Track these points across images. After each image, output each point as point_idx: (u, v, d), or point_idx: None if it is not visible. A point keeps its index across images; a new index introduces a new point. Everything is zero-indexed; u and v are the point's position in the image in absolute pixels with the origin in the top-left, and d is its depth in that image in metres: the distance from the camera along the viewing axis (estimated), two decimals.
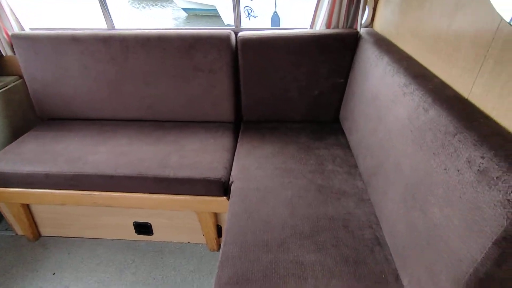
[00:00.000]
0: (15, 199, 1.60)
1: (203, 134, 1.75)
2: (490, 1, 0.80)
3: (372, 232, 1.15)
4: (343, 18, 1.67)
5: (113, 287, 1.55)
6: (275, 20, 7.26)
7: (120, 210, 1.66)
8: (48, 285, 1.56)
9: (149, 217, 1.68)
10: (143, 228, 1.72)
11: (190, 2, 9.89)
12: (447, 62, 1.00)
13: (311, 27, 1.77)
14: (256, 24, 7.99)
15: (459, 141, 0.75)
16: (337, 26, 1.70)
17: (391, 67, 1.18)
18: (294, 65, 1.67)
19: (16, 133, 1.89)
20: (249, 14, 8.03)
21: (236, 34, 1.69)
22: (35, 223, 1.77)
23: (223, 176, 1.45)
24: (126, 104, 1.85)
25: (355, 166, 1.48)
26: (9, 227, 1.84)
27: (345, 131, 1.71)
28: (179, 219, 1.66)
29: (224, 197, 1.47)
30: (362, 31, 1.63)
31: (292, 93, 1.75)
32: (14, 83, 1.92)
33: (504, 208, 0.59)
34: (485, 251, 0.63)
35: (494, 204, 0.61)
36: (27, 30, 1.88)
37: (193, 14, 10.36)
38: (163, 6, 11.39)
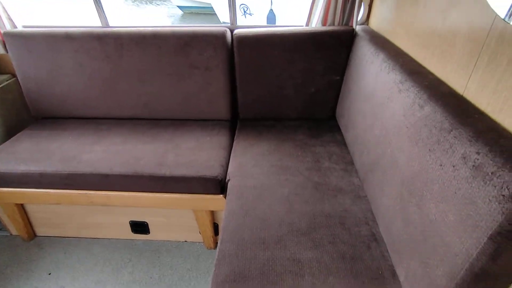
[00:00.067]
0: (9, 199, 1.59)
1: (199, 132, 1.74)
2: None
3: (368, 228, 1.15)
4: (339, 15, 1.67)
5: (110, 287, 1.54)
6: (271, 17, 7.25)
7: (116, 209, 1.65)
8: (43, 285, 1.55)
9: (145, 216, 1.67)
10: (139, 227, 1.71)
11: (186, 0, 9.83)
12: (442, 59, 1.01)
13: (307, 25, 1.76)
14: (252, 22, 7.97)
15: (454, 137, 0.76)
16: (333, 23, 1.70)
17: (386, 64, 1.18)
18: (290, 62, 1.66)
19: (9, 132, 1.87)
20: (245, 12, 8.01)
21: (232, 31, 1.68)
22: (30, 223, 1.75)
23: (219, 174, 1.45)
24: (121, 102, 1.83)
25: (351, 163, 1.48)
26: (3, 227, 1.82)
27: (341, 128, 1.71)
28: (176, 217, 1.66)
29: (221, 195, 1.47)
30: (357, 28, 1.63)
31: (288, 91, 1.75)
32: (7, 82, 1.89)
33: (499, 203, 0.59)
34: (480, 246, 0.63)
35: (489, 199, 0.62)
36: (20, 28, 1.85)
37: (189, 12, 10.31)
38: (158, 4, 11.32)
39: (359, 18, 1.69)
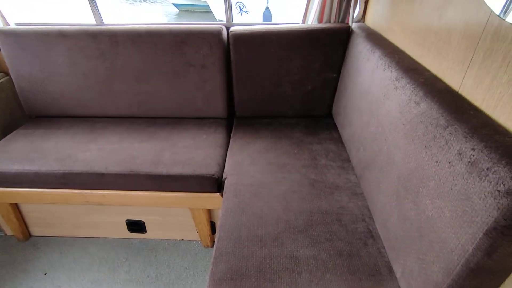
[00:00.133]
0: (4, 199, 1.57)
1: (195, 131, 1.73)
2: None
3: (365, 225, 1.15)
4: (335, 12, 1.67)
5: (107, 286, 1.53)
6: (267, 15, 7.24)
7: (112, 208, 1.64)
8: (39, 285, 1.54)
9: (141, 215, 1.66)
10: (136, 226, 1.70)
11: None
12: (438, 56, 1.01)
13: (303, 22, 1.76)
14: (248, 19, 7.96)
15: (450, 133, 0.76)
16: (329, 21, 1.70)
17: (382, 61, 1.19)
18: (286, 60, 1.66)
19: (3, 131, 1.85)
20: (241, 9, 7.99)
21: (227, 29, 1.67)
22: (25, 223, 1.74)
23: (216, 172, 1.44)
24: (117, 101, 1.82)
25: (348, 160, 1.48)
26: None
27: (337, 125, 1.72)
28: (172, 216, 1.65)
29: (218, 193, 1.46)
30: (354, 25, 1.63)
31: (284, 88, 1.75)
32: (0, 80, 1.87)
33: (495, 199, 0.60)
34: (476, 242, 0.63)
35: (485, 195, 0.62)
36: (12, 26, 1.83)
37: (185, 10, 10.26)
38: (152, 2, 11.24)
39: (355, 16, 1.69)
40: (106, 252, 1.70)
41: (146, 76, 1.73)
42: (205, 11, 9.64)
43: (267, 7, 7.32)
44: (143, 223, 1.69)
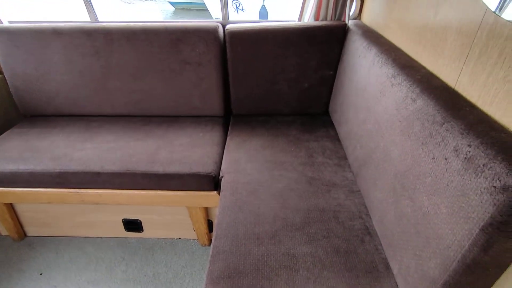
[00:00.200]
0: None
1: (192, 129, 1.72)
2: None
3: (362, 222, 1.16)
4: (331, 10, 1.67)
5: (104, 286, 1.53)
6: (263, 13, 7.23)
7: (109, 207, 1.63)
8: (35, 285, 1.53)
9: (138, 214, 1.66)
10: (132, 225, 1.69)
11: None
12: (434, 53, 1.01)
13: (299, 20, 1.76)
14: (244, 17, 7.93)
15: (446, 130, 0.76)
16: (325, 18, 1.70)
17: (379, 58, 1.19)
18: (283, 57, 1.66)
19: None
20: (237, 7, 7.97)
21: (224, 26, 1.66)
22: (20, 223, 1.72)
23: (213, 171, 1.44)
24: (112, 100, 1.81)
25: (345, 158, 1.48)
26: None
27: (334, 123, 1.72)
28: (169, 215, 1.65)
29: (215, 192, 1.46)
30: (350, 23, 1.63)
31: (281, 86, 1.75)
32: None
33: (491, 194, 0.60)
34: (472, 238, 0.64)
35: (481, 191, 0.62)
36: (5, 23, 1.80)
37: (181, 8, 10.21)
38: (147, 0, 11.17)
39: (351, 13, 1.68)
40: (103, 252, 1.69)
41: (141, 74, 1.72)
42: (201, 9, 9.59)
43: (263, 5, 7.31)
44: (140, 222, 1.68)
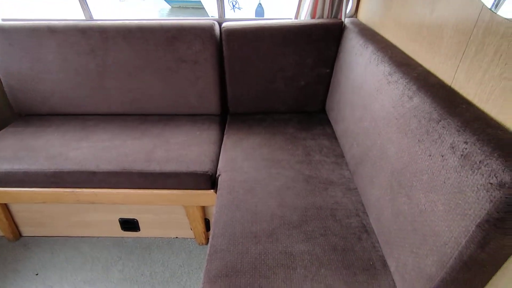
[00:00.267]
0: None
1: (189, 127, 1.72)
2: None
3: (359, 220, 1.16)
4: (328, 8, 1.67)
5: (100, 286, 1.52)
6: (259, 11, 7.21)
7: (105, 206, 1.62)
8: (30, 285, 1.51)
9: (135, 213, 1.65)
10: (129, 225, 1.68)
11: None
12: (431, 50, 1.01)
13: (296, 18, 1.75)
14: (241, 16, 7.91)
15: (443, 127, 0.76)
16: (321, 16, 1.69)
17: (375, 56, 1.19)
18: (279, 55, 1.65)
19: None
20: (233, 6, 7.94)
21: (220, 24, 1.65)
22: (14, 223, 1.70)
23: (210, 169, 1.43)
24: (108, 98, 1.79)
25: (342, 156, 1.49)
26: None
27: (331, 121, 1.72)
28: (166, 214, 1.64)
29: (212, 190, 1.46)
30: (346, 21, 1.63)
31: (278, 84, 1.74)
32: None
33: (487, 191, 0.60)
34: (469, 234, 0.64)
35: (477, 188, 0.62)
36: None
37: (177, 6, 10.15)
38: None
39: (347, 11, 1.68)
40: (99, 251, 1.68)
41: (137, 72, 1.71)
42: (198, 7, 9.54)
43: (260, 4, 7.29)
44: (137, 221, 1.68)
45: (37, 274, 1.57)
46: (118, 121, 1.78)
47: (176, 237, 1.74)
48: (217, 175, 1.43)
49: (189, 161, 1.45)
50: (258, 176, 1.36)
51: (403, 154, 0.90)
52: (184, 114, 1.84)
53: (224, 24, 1.61)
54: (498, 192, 0.58)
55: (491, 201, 0.59)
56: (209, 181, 1.43)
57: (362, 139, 1.23)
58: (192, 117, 1.81)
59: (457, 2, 0.89)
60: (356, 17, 1.71)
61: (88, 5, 1.78)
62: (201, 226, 1.63)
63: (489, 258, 0.65)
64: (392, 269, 0.95)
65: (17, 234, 1.74)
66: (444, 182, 0.72)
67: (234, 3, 7.97)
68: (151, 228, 1.71)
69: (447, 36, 0.93)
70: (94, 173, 1.43)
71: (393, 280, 0.96)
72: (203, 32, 1.59)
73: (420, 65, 1.05)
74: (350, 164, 1.36)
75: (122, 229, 1.71)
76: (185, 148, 1.54)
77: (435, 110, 0.81)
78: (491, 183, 0.59)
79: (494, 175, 0.59)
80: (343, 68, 1.52)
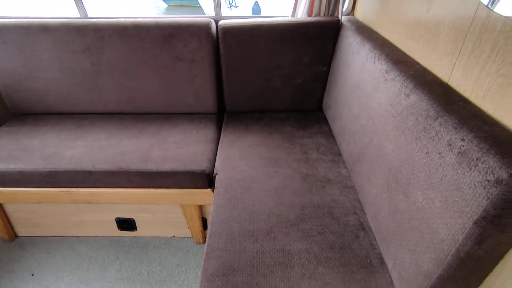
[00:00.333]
0: None
1: (185, 126, 1.71)
2: None
3: (356, 218, 1.16)
4: (324, 6, 1.66)
5: (97, 285, 1.51)
6: (256, 10, 7.19)
7: (101, 206, 1.61)
8: (26, 286, 1.50)
9: (132, 213, 1.64)
10: (126, 224, 1.68)
11: None
12: (427, 48, 1.01)
13: (293, 16, 1.75)
14: (237, 14, 7.88)
15: (440, 124, 0.76)
16: (318, 14, 1.69)
17: (372, 54, 1.18)
18: (276, 54, 1.65)
19: None
20: (230, 4, 7.92)
21: (216, 22, 1.64)
22: (10, 223, 1.69)
23: (207, 168, 1.43)
24: (104, 97, 1.78)
25: (339, 154, 1.48)
26: None
27: (328, 119, 1.72)
28: (163, 213, 1.63)
29: (209, 189, 1.45)
30: (343, 18, 1.63)
31: (275, 82, 1.74)
32: None
33: (484, 188, 0.60)
34: (466, 232, 0.64)
35: (474, 185, 0.62)
36: None
37: (173, 4, 10.11)
38: None
39: (344, 9, 1.68)
40: (96, 251, 1.67)
41: (134, 71, 1.69)
42: (194, 5, 9.51)
43: (256, 2, 7.27)
44: (133, 220, 1.67)
45: (32, 275, 1.56)
46: (115, 120, 1.77)
47: (173, 236, 1.74)
48: (214, 173, 1.43)
49: (186, 160, 1.44)
50: (255, 174, 1.36)
51: (400, 152, 0.90)
52: (181, 113, 1.83)
53: (220, 22, 1.60)
54: (495, 189, 0.58)
55: (488, 198, 0.59)
56: (206, 180, 1.43)
57: (359, 137, 1.23)
58: (189, 116, 1.81)
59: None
60: (353, 15, 1.71)
61: (83, 3, 1.76)
62: (198, 225, 1.62)
63: (486, 255, 0.65)
64: (389, 266, 0.95)
65: (12, 235, 1.72)
66: (441, 180, 0.72)
67: (230, 1, 7.95)
68: (148, 228, 1.70)
69: (444, 34, 0.93)
70: (90, 173, 1.42)
71: (390, 277, 0.96)
72: (199, 30, 1.58)
73: (417, 63, 1.05)
74: (347, 162, 1.36)
75: (119, 229, 1.70)
76: (182, 147, 1.53)
77: (432, 107, 0.81)
78: (488, 180, 0.59)
79: (491, 172, 0.59)
80: (340, 66, 1.52)
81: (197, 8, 9.21)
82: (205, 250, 1.06)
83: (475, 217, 0.62)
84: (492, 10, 0.75)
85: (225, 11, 7.73)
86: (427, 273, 0.75)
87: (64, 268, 1.59)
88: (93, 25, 1.59)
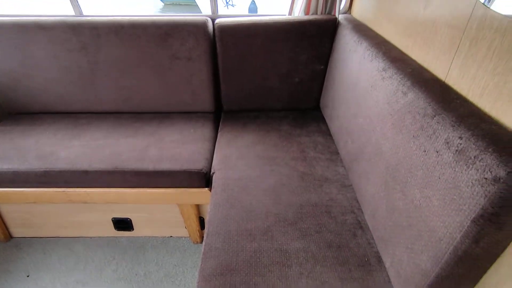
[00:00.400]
0: None
1: (182, 125, 1.70)
2: None
3: (354, 216, 1.16)
4: (321, 4, 1.66)
5: (93, 286, 1.50)
6: (253, 9, 7.18)
7: (98, 206, 1.59)
8: (22, 287, 1.49)
9: (128, 212, 1.63)
10: (122, 224, 1.66)
11: None
12: (424, 46, 1.01)
13: (289, 14, 1.74)
14: (234, 13, 7.87)
15: (437, 122, 0.76)
16: (315, 13, 1.68)
17: (369, 52, 1.18)
18: (273, 52, 1.64)
19: None
20: (227, 3, 7.90)
21: (213, 21, 1.64)
22: (4, 224, 1.67)
23: (204, 167, 1.42)
24: (101, 96, 1.76)
25: (336, 153, 1.48)
26: None
27: (325, 118, 1.71)
28: (160, 213, 1.62)
29: (206, 188, 1.44)
30: (340, 17, 1.62)
31: (272, 81, 1.73)
32: None
33: (482, 186, 0.60)
34: (464, 230, 0.64)
35: (472, 183, 0.62)
36: None
37: (170, 3, 10.07)
38: None
39: (341, 7, 1.68)
40: (92, 251, 1.66)
41: (130, 69, 1.68)
42: (191, 4, 9.48)
43: (253, 0, 7.26)
44: (130, 220, 1.66)
45: (28, 276, 1.54)
46: (111, 119, 1.76)
47: (171, 236, 1.73)
48: (211, 173, 1.42)
49: (183, 159, 1.43)
50: (253, 173, 1.36)
51: (398, 150, 0.90)
52: (178, 112, 1.82)
53: (217, 21, 1.59)
54: (493, 187, 0.58)
55: (486, 196, 0.59)
56: (203, 179, 1.42)
57: (356, 136, 1.22)
58: (186, 115, 1.80)
59: None
60: (350, 14, 1.71)
61: (78, 1, 1.75)
62: (195, 225, 1.62)
63: (483, 253, 0.65)
64: (387, 265, 0.95)
65: (8, 235, 1.71)
66: (439, 178, 0.72)
67: (227, 0, 7.93)
68: (145, 227, 1.69)
69: (441, 32, 0.93)
70: (86, 172, 1.41)
71: (388, 276, 0.96)
72: (196, 29, 1.57)
73: (414, 61, 1.05)
74: (345, 161, 1.36)
75: (115, 229, 1.69)
76: (179, 146, 1.52)
77: (430, 105, 0.81)
78: (486, 178, 0.59)
79: (489, 170, 0.59)
80: (337, 64, 1.52)
81: (194, 6, 9.18)
82: (202, 250, 1.05)
83: (473, 215, 0.61)
84: (489, 7, 0.74)
85: (222, 10, 7.70)
86: (425, 272, 0.75)
87: (60, 268, 1.58)
88: (89, 23, 1.58)
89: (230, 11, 7.96)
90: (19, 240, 1.72)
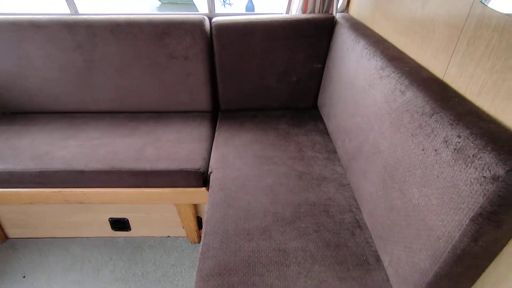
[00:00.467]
0: None
1: (180, 124, 1.69)
2: None
3: (352, 215, 1.16)
4: (319, 3, 1.65)
5: (90, 287, 1.49)
6: (250, 7, 7.16)
7: (94, 206, 1.58)
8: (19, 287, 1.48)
9: (125, 212, 1.62)
10: (119, 224, 1.65)
11: None
12: (422, 44, 1.01)
13: (287, 12, 1.74)
14: (231, 11, 7.84)
15: (435, 121, 0.76)
16: (313, 11, 1.68)
17: (367, 51, 1.18)
18: (271, 51, 1.63)
19: None
20: (224, 1, 7.88)
21: (210, 19, 1.63)
22: (0, 224, 1.66)
23: (201, 167, 1.41)
24: (97, 95, 1.75)
25: (334, 152, 1.48)
26: None
27: (323, 117, 1.71)
28: (158, 212, 1.61)
29: (203, 188, 1.44)
30: (338, 16, 1.62)
31: (269, 80, 1.73)
32: None
33: (481, 185, 0.60)
34: (462, 228, 0.64)
35: (471, 182, 0.62)
36: None
37: (167, 1, 10.02)
38: None
39: (339, 6, 1.67)
40: (89, 252, 1.64)
41: (127, 68, 1.67)
42: (188, 3, 9.44)
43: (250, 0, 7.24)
44: (127, 220, 1.65)
45: (24, 277, 1.53)
46: (107, 118, 1.74)
47: (168, 236, 1.72)
48: (208, 172, 1.41)
49: (180, 159, 1.42)
50: (250, 172, 1.35)
51: (396, 149, 0.90)
52: (175, 111, 1.81)
53: (214, 19, 1.58)
54: (492, 186, 0.58)
55: (485, 194, 0.59)
56: (201, 178, 1.41)
57: (354, 135, 1.22)
58: (183, 114, 1.79)
59: None
60: (348, 12, 1.70)
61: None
62: (193, 224, 1.61)
63: (482, 251, 0.65)
64: (385, 264, 0.95)
65: (3, 237, 1.69)
66: (438, 176, 0.72)
67: None
68: (142, 227, 1.68)
69: (439, 30, 0.93)
70: (82, 172, 1.39)
71: (386, 275, 0.96)
72: (193, 27, 1.56)
73: (412, 59, 1.05)
74: (343, 160, 1.36)
75: (112, 229, 1.68)
76: (176, 145, 1.51)
77: (428, 104, 0.80)
78: (485, 177, 0.59)
79: (488, 169, 0.59)
80: (335, 63, 1.51)
81: (191, 5, 9.14)
82: (200, 250, 1.05)
83: (472, 214, 0.61)
84: (486, 6, 0.74)
85: (219, 8, 7.68)
86: (423, 270, 0.75)
87: (56, 269, 1.56)
88: (84, 22, 1.56)
89: (227, 9, 7.94)
90: (15, 241, 1.70)
